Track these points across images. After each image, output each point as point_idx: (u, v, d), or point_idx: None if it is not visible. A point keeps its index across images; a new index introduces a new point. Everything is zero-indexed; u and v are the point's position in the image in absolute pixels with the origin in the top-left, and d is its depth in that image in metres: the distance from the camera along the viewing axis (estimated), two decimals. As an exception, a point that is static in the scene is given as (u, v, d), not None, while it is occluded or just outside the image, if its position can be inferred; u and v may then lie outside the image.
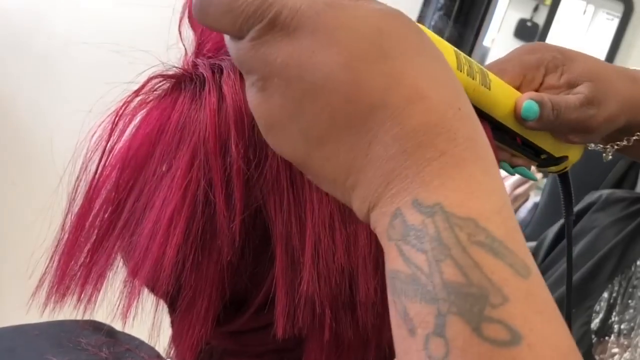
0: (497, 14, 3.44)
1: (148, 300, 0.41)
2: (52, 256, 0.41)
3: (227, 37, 0.34)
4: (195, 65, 0.40)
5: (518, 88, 0.55)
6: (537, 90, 0.56)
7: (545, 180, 1.81)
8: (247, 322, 0.41)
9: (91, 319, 0.57)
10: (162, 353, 0.43)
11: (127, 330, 0.42)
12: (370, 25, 0.31)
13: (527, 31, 3.40)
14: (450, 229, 0.29)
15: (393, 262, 0.30)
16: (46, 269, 0.42)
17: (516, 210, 2.47)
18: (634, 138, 0.62)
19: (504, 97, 0.49)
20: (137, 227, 0.39)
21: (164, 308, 0.43)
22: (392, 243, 0.30)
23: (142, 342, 0.57)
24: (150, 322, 0.41)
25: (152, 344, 0.42)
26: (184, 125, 0.38)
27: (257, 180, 0.37)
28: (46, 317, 0.43)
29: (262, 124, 0.33)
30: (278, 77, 0.31)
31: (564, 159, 0.58)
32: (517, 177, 1.76)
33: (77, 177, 0.41)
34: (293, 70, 0.31)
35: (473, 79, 0.44)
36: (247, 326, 0.42)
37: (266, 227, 0.38)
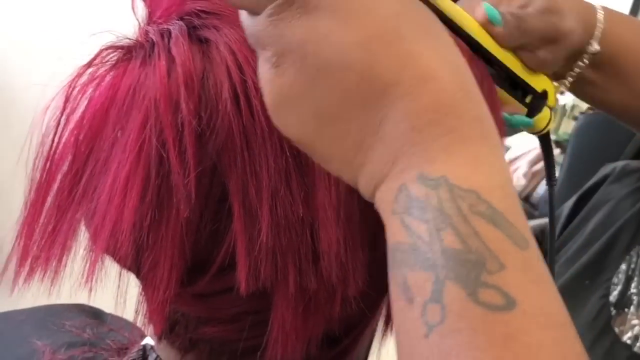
0: None
1: (112, 268, 0.41)
2: (17, 235, 0.41)
3: (243, 14, 0.35)
4: (146, 32, 0.40)
5: None
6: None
7: (563, 156, 1.80)
8: (212, 282, 0.41)
9: (80, 303, 0.58)
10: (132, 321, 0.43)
11: (91, 299, 0.42)
12: (389, 8, 0.32)
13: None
14: (453, 200, 0.30)
15: (395, 235, 0.31)
16: (13, 248, 0.42)
17: (535, 187, 2.45)
18: (592, 51, 0.62)
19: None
20: (95, 193, 0.39)
21: (129, 277, 0.42)
22: (396, 216, 0.31)
23: (128, 323, 0.57)
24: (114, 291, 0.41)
25: (119, 313, 0.42)
26: (135, 90, 0.38)
27: (209, 137, 0.37)
28: (15, 296, 0.43)
29: (271, 100, 0.34)
30: (294, 53, 0.32)
31: (544, 98, 0.57)
32: (534, 154, 1.73)
33: (36, 153, 0.41)
34: (310, 47, 0.32)
35: None
36: (212, 287, 0.41)
37: (223, 183, 0.38)
